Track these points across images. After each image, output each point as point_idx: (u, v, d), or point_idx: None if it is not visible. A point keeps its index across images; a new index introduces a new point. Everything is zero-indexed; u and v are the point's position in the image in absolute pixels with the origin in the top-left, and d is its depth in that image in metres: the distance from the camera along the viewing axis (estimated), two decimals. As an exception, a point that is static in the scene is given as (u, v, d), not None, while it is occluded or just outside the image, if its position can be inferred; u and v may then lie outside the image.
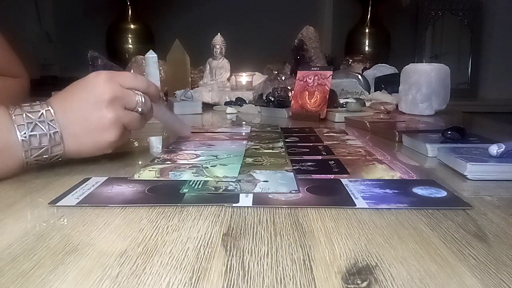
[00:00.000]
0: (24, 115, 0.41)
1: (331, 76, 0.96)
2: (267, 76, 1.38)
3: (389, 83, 1.20)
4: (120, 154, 0.58)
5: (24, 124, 0.40)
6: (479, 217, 0.32)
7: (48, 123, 0.41)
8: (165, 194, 0.37)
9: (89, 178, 0.42)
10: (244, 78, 1.37)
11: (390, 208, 0.33)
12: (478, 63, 2.24)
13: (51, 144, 0.42)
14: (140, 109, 0.47)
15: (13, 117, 0.40)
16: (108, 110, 0.43)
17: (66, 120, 0.43)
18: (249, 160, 0.50)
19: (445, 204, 0.35)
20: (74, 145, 0.44)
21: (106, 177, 0.42)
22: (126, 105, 0.46)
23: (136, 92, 0.47)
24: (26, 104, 0.42)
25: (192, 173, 0.44)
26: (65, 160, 0.50)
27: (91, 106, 0.43)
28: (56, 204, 0.34)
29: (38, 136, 0.41)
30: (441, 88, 0.98)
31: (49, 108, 0.42)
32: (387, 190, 0.38)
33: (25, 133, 0.40)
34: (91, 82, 0.44)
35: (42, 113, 0.42)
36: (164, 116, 0.60)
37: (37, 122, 0.41)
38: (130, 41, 2.04)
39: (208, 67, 1.42)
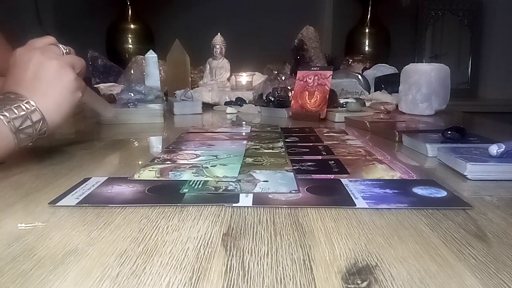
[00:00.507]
0: None
1: (331, 76, 0.96)
2: (267, 76, 1.38)
3: (389, 83, 1.20)
4: (120, 154, 0.58)
5: None
6: (479, 217, 0.32)
7: (17, 99, 0.44)
8: (165, 194, 0.37)
9: (89, 178, 0.42)
10: (244, 78, 1.37)
11: (390, 208, 0.33)
12: (478, 63, 2.24)
13: (28, 112, 0.43)
14: (66, 50, 0.51)
15: None
16: (49, 60, 0.47)
17: (28, 91, 0.45)
18: (249, 160, 0.50)
19: (445, 204, 0.35)
20: (48, 104, 0.45)
21: (106, 177, 0.42)
22: (56, 53, 0.49)
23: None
24: None
25: (192, 173, 0.44)
26: (65, 160, 0.50)
27: (35, 68, 0.46)
28: (56, 204, 0.34)
29: (13, 108, 0.43)
30: (441, 88, 0.98)
31: (10, 90, 0.45)
32: (387, 190, 0.38)
33: (1, 109, 0.42)
34: (18, 58, 0.48)
35: (7, 95, 0.44)
36: (90, 94, 0.60)
37: (6, 101, 0.43)
38: (130, 41, 2.04)
39: (208, 67, 1.42)
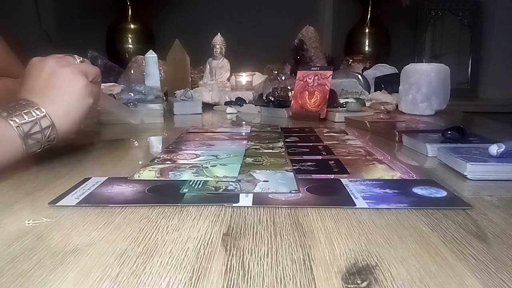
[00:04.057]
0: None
1: (331, 76, 0.96)
2: (267, 76, 1.38)
3: (389, 83, 1.20)
4: (120, 154, 0.58)
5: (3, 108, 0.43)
6: (479, 217, 0.32)
7: (28, 106, 0.44)
8: (165, 194, 0.37)
9: (89, 178, 0.42)
10: (244, 78, 1.37)
11: (390, 208, 0.33)
12: (478, 63, 2.24)
13: (37, 118, 0.44)
14: (81, 59, 0.52)
15: None
16: (61, 67, 0.47)
17: (39, 98, 0.45)
18: (249, 160, 0.50)
19: (445, 204, 0.35)
20: (58, 110, 0.45)
21: (106, 177, 0.42)
22: (69, 61, 0.50)
23: None
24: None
25: (192, 173, 0.44)
26: (65, 160, 0.50)
27: (48, 75, 0.47)
28: (56, 204, 0.34)
29: (23, 114, 0.43)
30: (441, 88, 0.98)
31: (22, 97, 0.46)
32: (387, 190, 0.38)
33: (11, 115, 0.42)
34: (33, 65, 0.48)
35: (19, 102, 0.44)
36: (110, 103, 0.62)
37: (17, 107, 0.43)
38: (130, 41, 2.04)
39: (208, 67, 1.42)
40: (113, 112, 0.65)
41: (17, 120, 0.42)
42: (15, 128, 0.42)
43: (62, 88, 0.46)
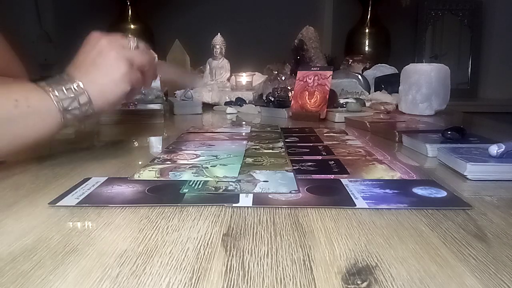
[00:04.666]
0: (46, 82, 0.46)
1: (331, 76, 0.96)
2: (267, 76, 1.38)
3: (389, 83, 1.20)
4: (120, 154, 0.58)
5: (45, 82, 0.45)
6: (479, 217, 0.32)
7: (69, 81, 0.46)
8: (165, 194, 0.37)
9: (89, 178, 0.42)
10: (244, 78, 1.37)
11: (390, 208, 0.33)
12: (478, 63, 2.24)
13: (76, 94, 0.46)
14: (135, 44, 0.53)
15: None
16: (109, 50, 0.49)
17: (82, 74, 0.47)
18: (249, 160, 0.50)
19: (445, 204, 0.35)
20: (94, 90, 0.47)
21: (106, 177, 0.42)
22: (121, 45, 0.51)
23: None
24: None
25: (192, 173, 0.44)
26: (65, 160, 0.50)
27: (95, 55, 0.49)
28: (56, 204, 0.34)
29: (64, 90, 0.45)
30: (441, 88, 0.98)
31: (69, 71, 0.48)
32: (387, 190, 0.38)
33: (53, 89, 0.45)
34: (89, 40, 0.50)
35: (63, 75, 0.47)
36: (171, 71, 0.63)
37: (60, 81, 0.46)
38: (130, 41, 2.03)
39: (208, 67, 1.41)
40: (176, 79, 0.66)
41: (58, 95, 0.44)
42: (55, 103, 0.44)
43: (103, 70, 0.48)
